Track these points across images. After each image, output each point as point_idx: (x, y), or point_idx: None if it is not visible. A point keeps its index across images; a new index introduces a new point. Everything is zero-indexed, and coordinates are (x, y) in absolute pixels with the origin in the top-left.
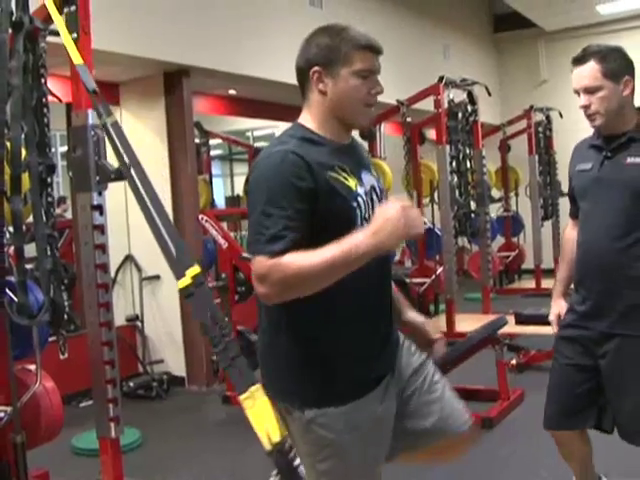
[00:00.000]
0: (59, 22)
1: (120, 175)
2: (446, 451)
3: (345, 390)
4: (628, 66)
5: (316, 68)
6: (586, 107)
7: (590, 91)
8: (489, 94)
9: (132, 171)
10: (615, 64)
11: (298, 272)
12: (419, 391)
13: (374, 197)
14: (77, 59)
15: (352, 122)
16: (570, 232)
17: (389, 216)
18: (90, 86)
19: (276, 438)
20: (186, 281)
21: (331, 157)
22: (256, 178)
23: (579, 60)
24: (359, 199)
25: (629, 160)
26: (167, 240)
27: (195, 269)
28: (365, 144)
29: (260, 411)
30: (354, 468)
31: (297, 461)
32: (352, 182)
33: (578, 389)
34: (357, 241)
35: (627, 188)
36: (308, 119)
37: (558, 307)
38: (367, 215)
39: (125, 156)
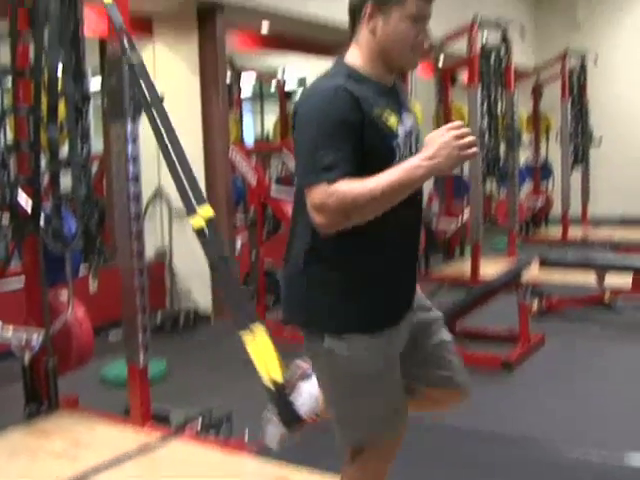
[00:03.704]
0: None
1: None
2: (437, 402)
3: (373, 319)
4: None
5: (370, 4)
6: None
7: None
8: (523, 35)
9: (153, 110)
10: None
11: (353, 200)
12: (430, 342)
13: (412, 137)
14: None
15: (397, 64)
16: None
17: (443, 141)
18: (118, 23)
19: (278, 378)
20: (199, 221)
21: (375, 95)
22: (307, 111)
23: None
24: (399, 139)
25: None
26: (182, 177)
27: (207, 208)
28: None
29: (261, 347)
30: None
31: (295, 397)
32: (394, 121)
33: None
34: (414, 165)
35: None
36: (356, 56)
37: None
38: (405, 154)
39: (147, 94)
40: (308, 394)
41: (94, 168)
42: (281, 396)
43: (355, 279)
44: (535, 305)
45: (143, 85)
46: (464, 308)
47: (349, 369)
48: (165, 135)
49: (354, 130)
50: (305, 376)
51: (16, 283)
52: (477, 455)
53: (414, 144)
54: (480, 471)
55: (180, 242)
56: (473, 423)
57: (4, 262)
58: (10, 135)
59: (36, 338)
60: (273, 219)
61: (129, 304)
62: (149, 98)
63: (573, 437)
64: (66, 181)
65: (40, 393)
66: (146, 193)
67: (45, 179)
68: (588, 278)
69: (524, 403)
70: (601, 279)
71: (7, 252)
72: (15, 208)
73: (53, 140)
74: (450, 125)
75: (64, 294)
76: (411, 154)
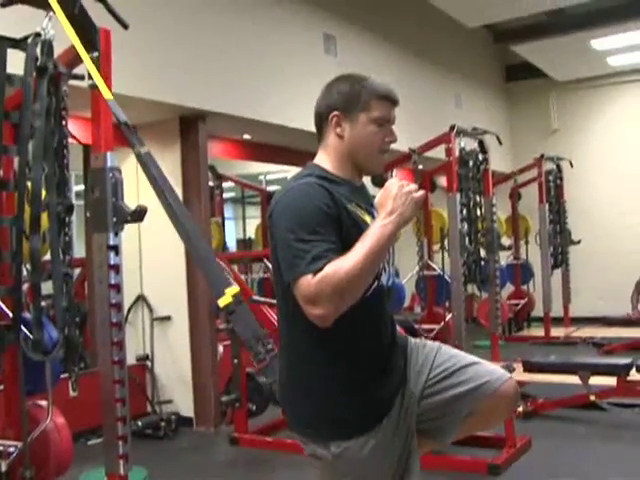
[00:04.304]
0: (89, 63)
1: (137, 217)
2: (491, 415)
3: (371, 416)
4: None
5: (335, 112)
6: None
7: None
8: (500, 143)
9: (167, 197)
10: None
11: (345, 276)
12: (446, 372)
13: None
14: (107, 95)
15: (365, 167)
16: None
17: (393, 195)
18: (122, 118)
19: None
20: (227, 299)
21: (347, 193)
22: (286, 209)
23: None
24: None
25: None
26: (205, 261)
27: (235, 288)
28: (376, 190)
29: None
30: None
31: None
32: (367, 217)
33: None
34: (380, 225)
35: None
36: (324, 160)
37: None
38: None
39: (159, 183)
40: None
41: (76, 269)
42: None
43: (348, 383)
44: (520, 407)
45: (155, 173)
46: None
47: (358, 469)
48: (183, 221)
49: (334, 221)
50: None
51: None
52: None
53: None
54: None
55: (161, 347)
56: None
57: None
58: None
59: (13, 448)
60: None
61: (109, 414)
62: (162, 187)
63: None
64: (47, 286)
65: None
66: (129, 299)
67: (25, 288)
68: (572, 377)
69: None
70: (585, 381)
71: None
72: None
73: (35, 251)
74: (388, 183)
75: (43, 402)
76: None
